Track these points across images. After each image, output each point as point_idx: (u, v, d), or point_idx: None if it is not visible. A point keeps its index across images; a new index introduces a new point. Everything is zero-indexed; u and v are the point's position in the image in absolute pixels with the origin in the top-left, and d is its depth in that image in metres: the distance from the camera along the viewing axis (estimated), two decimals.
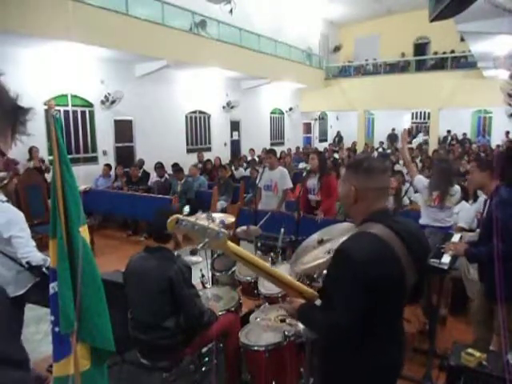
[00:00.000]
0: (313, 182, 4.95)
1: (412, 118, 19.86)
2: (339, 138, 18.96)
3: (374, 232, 1.46)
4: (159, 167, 7.91)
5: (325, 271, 1.73)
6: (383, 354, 1.54)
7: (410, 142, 16.56)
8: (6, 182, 3.08)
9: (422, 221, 4.13)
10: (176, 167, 7.88)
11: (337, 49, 19.48)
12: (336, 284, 1.49)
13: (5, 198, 2.73)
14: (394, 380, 1.66)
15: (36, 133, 6.35)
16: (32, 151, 7.52)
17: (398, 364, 1.64)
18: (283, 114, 16.89)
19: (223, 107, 13.35)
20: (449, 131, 17.23)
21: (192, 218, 1.54)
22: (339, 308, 1.44)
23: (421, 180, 4.15)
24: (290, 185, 5.31)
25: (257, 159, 11.75)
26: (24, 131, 0.77)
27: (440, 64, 16.15)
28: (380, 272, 1.41)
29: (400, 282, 1.48)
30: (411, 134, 17.92)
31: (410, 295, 1.58)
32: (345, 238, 1.92)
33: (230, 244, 1.58)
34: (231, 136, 14.13)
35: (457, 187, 4.10)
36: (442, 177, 3.97)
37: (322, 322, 1.53)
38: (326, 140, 19.91)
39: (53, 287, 1.91)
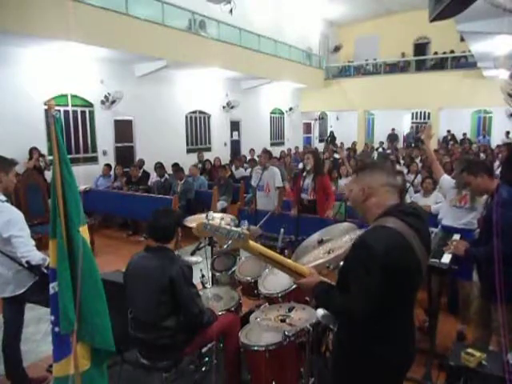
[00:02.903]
0: (307, 182, 4.97)
1: (412, 118, 19.85)
2: (332, 138, 18.65)
3: (390, 226, 1.54)
4: (159, 167, 7.91)
5: (341, 263, 1.78)
6: (396, 344, 1.60)
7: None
8: None
9: (445, 222, 3.91)
10: (176, 167, 7.89)
11: (337, 49, 19.47)
12: (354, 272, 1.55)
13: (4, 198, 2.73)
14: (404, 371, 1.70)
15: (36, 133, 6.32)
16: (32, 152, 7.52)
17: (408, 355, 1.68)
18: (283, 114, 16.88)
19: (223, 107, 13.35)
20: (448, 131, 17.21)
21: (216, 223, 1.72)
22: (358, 296, 1.50)
23: (447, 179, 3.91)
24: (281, 183, 5.34)
25: (257, 159, 11.75)
26: None
27: (440, 64, 16.15)
28: (398, 263, 1.49)
29: (417, 273, 1.57)
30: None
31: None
32: (347, 238, 1.95)
33: (252, 243, 1.73)
34: (231, 136, 14.13)
35: None
36: None
37: (340, 305, 1.59)
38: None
39: (53, 287, 1.91)
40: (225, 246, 1.70)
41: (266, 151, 5.56)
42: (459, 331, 3.57)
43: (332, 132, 19.41)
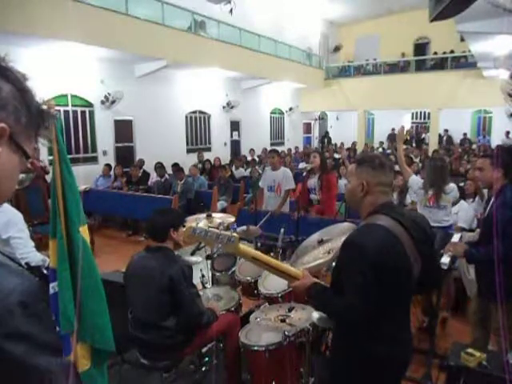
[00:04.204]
0: (313, 181, 4.96)
1: (412, 118, 19.85)
2: (328, 138, 18.46)
3: (381, 223, 1.53)
4: (159, 167, 7.92)
5: (333, 263, 1.76)
6: (390, 345, 1.59)
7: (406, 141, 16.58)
8: (26, 183, 3.04)
9: None
10: (176, 167, 7.89)
11: (337, 49, 19.47)
12: (346, 272, 1.55)
13: None
14: (400, 374, 1.70)
15: None
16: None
17: (404, 355, 1.67)
18: (283, 114, 16.88)
19: (223, 107, 13.35)
20: (446, 130, 17.15)
21: (205, 226, 1.70)
22: (352, 295, 1.49)
23: (415, 180, 4.09)
24: (293, 185, 5.29)
25: (257, 159, 11.76)
26: (47, 135, 0.79)
27: (440, 64, 16.14)
28: (388, 260, 1.48)
29: (406, 272, 1.55)
30: (410, 133, 17.90)
31: (416, 285, 1.64)
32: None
33: (242, 246, 1.71)
34: (231, 136, 14.13)
35: (452, 185, 4.05)
36: (435, 174, 3.92)
37: (332, 304, 1.59)
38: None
39: (53, 287, 1.91)
40: (214, 250, 1.70)
41: (275, 151, 5.51)
42: (444, 317, 3.73)
43: (327, 132, 19.36)
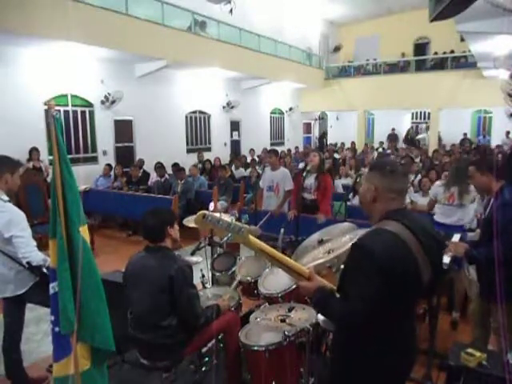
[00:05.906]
0: (310, 181, 4.95)
1: (412, 118, 19.83)
2: (325, 139, 18.45)
3: (390, 229, 1.52)
4: (159, 167, 7.92)
5: (342, 266, 1.76)
6: (393, 347, 1.59)
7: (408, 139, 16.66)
8: None
9: (437, 218, 4.27)
10: (176, 167, 7.89)
11: (337, 49, 19.46)
12: (352, 276, 1.54)
13: (6, 198, 2.72)
14: (403, 377, 1.69)
15: (36, 133, 6.34)
16: (32, 153, 7.52)
17: (407, 358, 1.67)
18: (283, 114, 16.88)
19: (223, 107, 13.35)
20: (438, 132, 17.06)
21: (217, 214, 1.73)
22: (354, 298, 1.49)
23: (434, 187, 4.39)
24: (292, 186, 5.27)
25: (257, 159, 11.76)
26: None
27: (440, 64, 16.13)
28: (395, 267, 1.46)
29: (415, 280, 1.53)
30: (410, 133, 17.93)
31: (426, 290, 1.64)
32: (347, 238, 1.94)
33: (252, 238, 1.75)
34: (231, 136, 14.13)
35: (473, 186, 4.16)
36: (460, 174, 4.05)
37: (336, 310, 1.58)
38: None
39: (53, 287, 1.91)
40: (225, 239, 1.71)
41: (273, 151, 5.51)
42: (453, 320, 3.74)
43: (325, 132, 19.32)
